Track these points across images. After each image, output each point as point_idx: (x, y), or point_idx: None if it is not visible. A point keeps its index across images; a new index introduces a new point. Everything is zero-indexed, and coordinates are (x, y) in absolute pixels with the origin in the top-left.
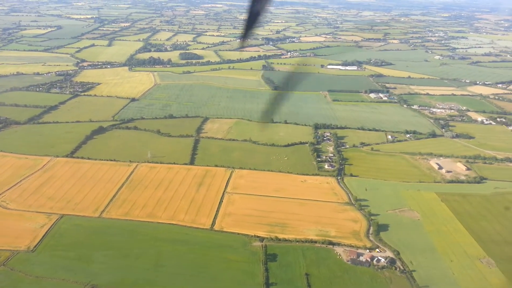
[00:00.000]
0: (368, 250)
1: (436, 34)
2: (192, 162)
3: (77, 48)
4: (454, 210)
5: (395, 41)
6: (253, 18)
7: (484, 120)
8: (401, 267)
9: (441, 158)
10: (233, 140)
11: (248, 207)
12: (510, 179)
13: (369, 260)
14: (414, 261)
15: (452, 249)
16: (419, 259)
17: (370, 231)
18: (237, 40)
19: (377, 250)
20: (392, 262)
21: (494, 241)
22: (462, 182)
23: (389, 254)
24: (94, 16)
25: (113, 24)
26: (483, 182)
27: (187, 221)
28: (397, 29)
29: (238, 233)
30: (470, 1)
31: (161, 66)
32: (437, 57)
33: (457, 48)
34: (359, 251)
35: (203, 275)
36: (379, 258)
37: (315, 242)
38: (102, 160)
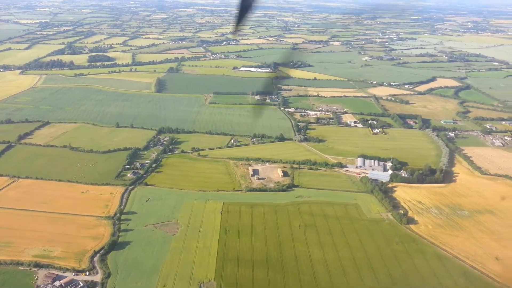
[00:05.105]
0: (74, 273)
1: (387, 36)
2: None
3: None
4: (225, 223)
5: (337, 43)
6: (243, 11)
7: (352, 123)
8: None
9: (266, 163)
10: (52, 146)
11: None
12: (323, 187)
13: (64, 285)
14: (120, 286)
15: (180, 270)
16: (128, 283)
17: (102, 251)
18: (175, 41)
19: (85, 273)
20: (91, 287)
21: (239, 260)
22: (265, 190)
23: (98, 277)
24: (45, 20)
25: (55, 28)
26: (290, 190)
27: None
28: (350, 31)
29: None
30: (461, 3)
31: (58, 68)
32: (365, 58)
33: (395, 49)
34: (65, 274)
35: None
36: (79, 282)
37: (22, 264)
38: None
